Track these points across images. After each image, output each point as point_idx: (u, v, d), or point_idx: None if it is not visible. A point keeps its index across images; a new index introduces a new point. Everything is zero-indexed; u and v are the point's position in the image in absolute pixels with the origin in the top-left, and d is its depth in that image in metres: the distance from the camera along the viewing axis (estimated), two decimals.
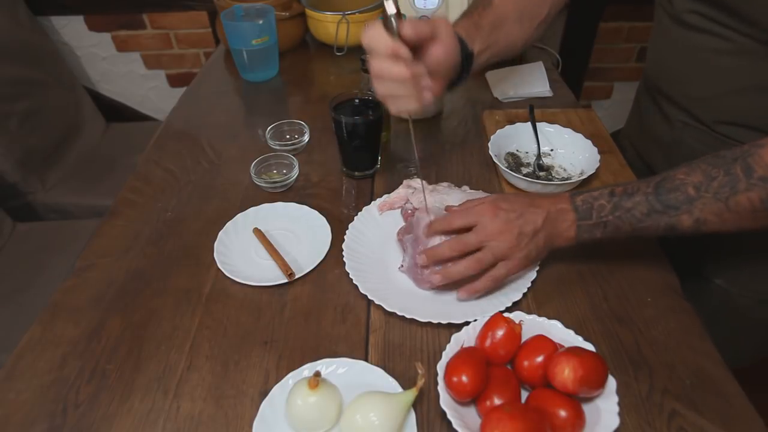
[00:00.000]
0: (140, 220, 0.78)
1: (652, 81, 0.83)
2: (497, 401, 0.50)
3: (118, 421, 0.54)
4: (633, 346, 0.59)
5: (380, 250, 0.71)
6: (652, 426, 0.52)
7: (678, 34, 0.72)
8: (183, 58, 1.83)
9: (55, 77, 1.58)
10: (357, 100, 0.81)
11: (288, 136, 0.92)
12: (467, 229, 0.61)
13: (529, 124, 0.86)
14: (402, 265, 0.67)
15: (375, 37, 0.56)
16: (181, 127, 1.00)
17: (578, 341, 0.55)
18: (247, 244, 0.73)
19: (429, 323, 0.60)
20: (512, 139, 0.86)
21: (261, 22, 1.05)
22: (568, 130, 0.85)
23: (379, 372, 0.55)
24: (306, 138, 0.91)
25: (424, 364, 0.54)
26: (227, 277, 0.67)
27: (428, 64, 0.60)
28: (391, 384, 0.54)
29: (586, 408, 0.50)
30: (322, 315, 0.63)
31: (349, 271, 0.66)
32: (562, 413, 0.48)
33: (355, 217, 0.74)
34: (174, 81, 1.89)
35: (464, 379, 0.49)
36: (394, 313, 0.61)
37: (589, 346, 0.54)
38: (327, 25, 1.15)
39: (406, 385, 0.53)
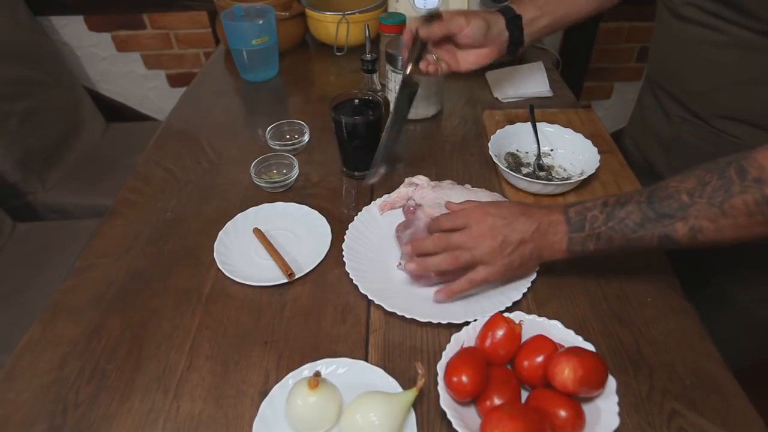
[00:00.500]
0: (140, 220, 0.78)
1: (654, 77, 0.83)
2: (497, 401, 0.50)
3: (118, 421, 0.54)
4: (633, 346, 0.59)
5: (380, 250, 0.71)
6: (652, 426, 0.52)
7: (677, 28, 0.72)
8: (183, 58, 1.83)
9: (55, 77, 1.57)
10: (357, 100, 0.81)
11: (288, 136, 0.92)
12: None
13: (529, 124, 0.86)
14: (400, 263, 0.67)
15: None
16: (181, 127, 1.00)
17: (578, 341, 0.55)
18: (247, 244, 0.73)
19: (429, 323, 0.60)
20: (512, 139, 0.86)
21: (261, 22, 1.05)
22: (568, 130, 0.85)
23: (379, 372, 0.55)
24: (306, 138, 0.91)
25: (424, 364, 0.54)
26: (227, 277, 0.67)
27: (458, 43, 0.77)
28: (391, 384, 0.54)
29: (586, 408, 0.50)
30: (322, 315, 0.63)
31: (349, 271, 0.66)
32: (562, 413, 0.48)
33: (355, 217, 0.74)
34: (174, 81, 1.89)
35: (464, 379, 0.49)
36: (394, 313, 0.61)
37: (589, 346, 0.54)
38: (327, 25, 1.15)
39: (406, 385, 0.53)
